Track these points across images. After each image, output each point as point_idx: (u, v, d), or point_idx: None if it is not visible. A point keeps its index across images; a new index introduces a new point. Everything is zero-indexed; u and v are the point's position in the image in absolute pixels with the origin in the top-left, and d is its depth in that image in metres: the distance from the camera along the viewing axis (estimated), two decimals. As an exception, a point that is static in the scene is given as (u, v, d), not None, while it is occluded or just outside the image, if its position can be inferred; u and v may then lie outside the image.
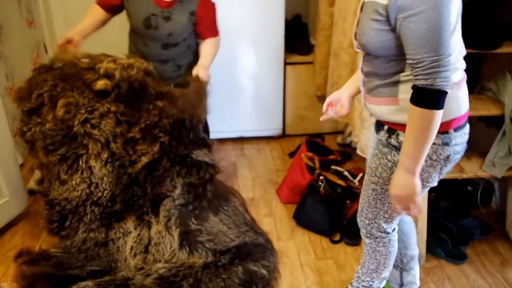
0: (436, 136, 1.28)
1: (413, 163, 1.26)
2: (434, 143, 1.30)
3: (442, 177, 1.42)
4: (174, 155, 1.95)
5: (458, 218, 2.22)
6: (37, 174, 2.66)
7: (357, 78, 1.54)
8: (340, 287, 1.91)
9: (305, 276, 2.00)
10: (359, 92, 1.53)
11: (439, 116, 1.21)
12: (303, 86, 3.04)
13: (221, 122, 3.05)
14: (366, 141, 2.27)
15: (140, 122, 1.92)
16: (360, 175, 2.38)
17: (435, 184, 1.43)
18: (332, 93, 1.62)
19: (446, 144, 1.33)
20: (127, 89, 1.92)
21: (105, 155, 1.91)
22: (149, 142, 1.92)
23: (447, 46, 1.16)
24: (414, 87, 1.21)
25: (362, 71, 1.42)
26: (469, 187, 2.39)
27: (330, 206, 2.22)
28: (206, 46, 2.21)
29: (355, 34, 1.36)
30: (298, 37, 3.12)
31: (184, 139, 1.97)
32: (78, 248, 1.93)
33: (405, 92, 1.28)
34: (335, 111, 1.60)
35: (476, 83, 2.21)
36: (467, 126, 1.39)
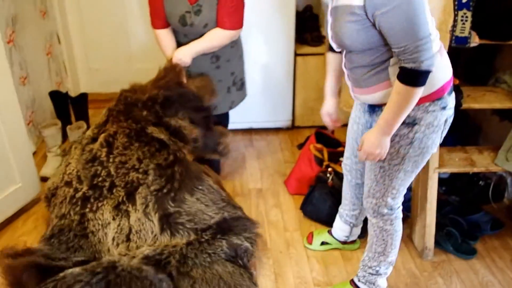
0: (433, 103, 1.42)
1: (390, 128, 1.40)
2: (433, 111, 1.43)
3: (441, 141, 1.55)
4: (129, 130, 2.05)
5: (468, 213, 2.19)
6: (50, 162, 2.73)
7: (333, 78, 1.72)
8: (346, 278, 1.91)
9: (311, 267, 2.00)
10: (339, 86, 1.70)
11: (421, 91, 1.34)
12: (313, 78, 3.02)
13: (230, 113, 3.04)
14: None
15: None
16: (369, 167, 2.36)
17: (436, 150, 1.55)
18: (322, 110, 1.80)
19: (444, 108, 1.45)
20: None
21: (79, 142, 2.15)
22: (111, 122, 2.11)
23: (425, 28, 1.27)
24: (401, 68, 1.32)
25: (346, 67, 1.51)
26: (481, 182, 2.35)
27: (337, 198, 2.20)
28: (208, 34, 2.19)
29: (332, 36, 1.46)
30: (309, 28, 3.09)
31: (140, 118, 2.08)
32: (58, 239, 1.96)
33: (395, 73, 1.36)
34: (332, 126, 1.82)
35: (490, 75, 2.16)
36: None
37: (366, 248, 1.74)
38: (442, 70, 1.43)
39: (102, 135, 2.06)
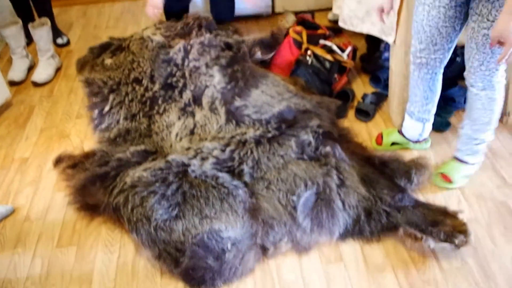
0: None
1: None
2: None
3: None
4: (204, 39, 2.34)
5: (444, 89, 2.27)
6: (16, 65, 2.65)
7: None
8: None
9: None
10: None
11: None
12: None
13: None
14: (348, 12, 2.22)
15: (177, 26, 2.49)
16: (349, 48, 2.36)
17: None
18: None
19: None
20: None
21: (146, 43, 2.38)
22: (182, 35, 2.42)
23: None
24: None
25: None
26: (458, 59, 2.40)
27: (321, 78, 2.24)
28: None
29: None
30: None
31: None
32: (123, 138, 2.05)
33: None
34: None
35: None
36: None
37: (465, 124, 1.76)
38: None
39: (181, 42, 2.31)
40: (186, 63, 2.24)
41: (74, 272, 1.62)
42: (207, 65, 2.22)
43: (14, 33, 2.57)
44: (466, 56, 1.63)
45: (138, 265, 1.62)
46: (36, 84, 2.60)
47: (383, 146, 2.04)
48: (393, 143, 2.03)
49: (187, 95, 2.14)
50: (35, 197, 1.92)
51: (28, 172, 2.05)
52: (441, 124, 2.14)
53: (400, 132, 2.02)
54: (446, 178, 1.84)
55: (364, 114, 2.23)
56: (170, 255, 1.57)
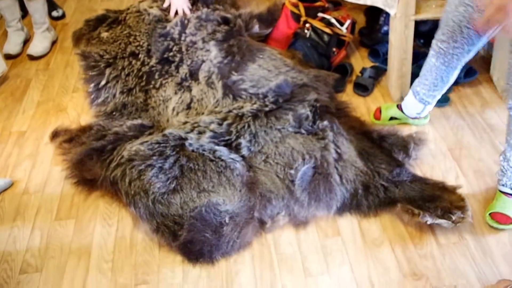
0: None
1: None
2: None
3: None
4: (201, 13, 2.29)
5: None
6: (11, 38, 2.59)
7: None
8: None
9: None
10: None
11: None
12: None
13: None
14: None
15: None
16: (348, 22, 2.30)
17: None
18: None
19: None
20: None
21: (143, 17, 2.34)
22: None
23: None
24: None
25: None
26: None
27: (319, 52, 2.20)
28: None
29: None
30: None
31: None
32: (120, 112, 2.02)
33: None
34: None
35: None
36: None
37: (505, 152, 1.54)
38: None
39: (178, 16, 2.28)
40: (183, 38, 2.20)
41: (73, 245, 1.61)
42: (203, 40, 2.18)
43: (8, 5, 2.51)
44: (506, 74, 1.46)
45: (136, 239, 1.61)
46: (32, 57, 2.55)
47: (381, 120, 2.01)
48: (391, 118, 2.00)
49: (184, 70, 2.10)
50: (33, 171, 1.90)
51: (25, 145, 2.02)
52: (440, 100, 2.10)
53: (399, 107, 1.98)
54: (504, 218, 1.56)
55: (363, 89, 2.19)
56: (168, 229, 1.56)
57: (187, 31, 2.21)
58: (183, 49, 2.16)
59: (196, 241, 1.51)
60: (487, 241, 1.54)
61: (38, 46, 2.57)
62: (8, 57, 2.55)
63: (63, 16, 2.94)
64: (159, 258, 1.55)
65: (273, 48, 2.21)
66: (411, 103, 1.90)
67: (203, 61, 2.10)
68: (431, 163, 1.82)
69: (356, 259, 1.51)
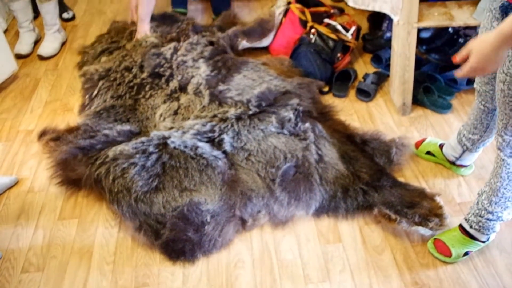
0: None
1: None
2: None
3: None
4: (192, 40, 2.32)
5: (446, 70, 2.14)
6: (23, 38, 2.52)
7: None
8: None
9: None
10: None
11: None
12: None
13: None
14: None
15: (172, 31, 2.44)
16: (353, 28, 2.21)
17: None
18: None
19: None
20: None
21: (141, 43, 2.32)
22: (177, 37, 2.37)
23: None
24: None
25: None
26: (460, 40, 2.25)
27: (323, 58, 2.11)
28: None
29: None
30: None
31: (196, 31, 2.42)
32: (107, 112, 1.96)
33: None
34: None
35: None
36: None
37: (484, 191, 1.37)
38: None
39: (172, 43, 2.28)
40: (174, 58, 2.19)
41: (75, 245, 1.54)
42: (193, 59, 2.19)
43: (22, 7, 2.44)
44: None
45: (137, 240, 1.53)
46: (42, 58, 2.48)
47: (418, 151, 1.80)
48: (428, 152, 1.78)
49: (174, 84, 2.07)
50: (38, 169, 1.83)
51: (32, 144, 1.95)
52: (442, 106, 2.01)
53: (440, 146, 1.75)
54: (443, 249, 1.43)
55: (365, 94, 2.10)
56: (151, 227, 1.51)
57: (179, 53, 2.22)
58: (174, 66, 2.15)
59: (178, 240, 1.46)
60: (490, 250, 1.45)
61: (48, 46, 2.50)
62: (19, 56, 2.48)
63: (73, 18, 2.87)
64: (160, 261, 1.47)
65: (256, 60, 2.21)
66: (451, 143, 1.69)
67: (193, 76, 2.09)
68: (433, 171, 1.73)
69: (357, 266, 1.43)
